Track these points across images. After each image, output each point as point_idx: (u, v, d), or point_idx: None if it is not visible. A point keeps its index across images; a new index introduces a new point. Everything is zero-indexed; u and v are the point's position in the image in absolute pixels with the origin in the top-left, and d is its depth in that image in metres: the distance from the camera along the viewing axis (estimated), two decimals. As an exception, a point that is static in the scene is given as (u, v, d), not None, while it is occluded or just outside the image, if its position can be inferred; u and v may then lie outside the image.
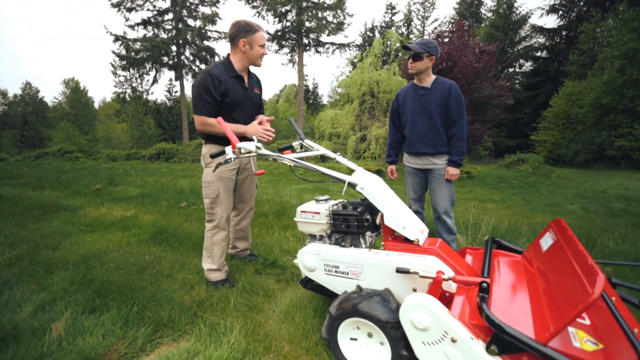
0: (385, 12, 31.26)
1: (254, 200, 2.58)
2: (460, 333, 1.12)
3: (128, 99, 28.75)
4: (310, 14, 19.73)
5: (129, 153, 21.28)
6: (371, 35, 28.89)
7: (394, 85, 12.43)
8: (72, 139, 25.86)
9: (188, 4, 22.47)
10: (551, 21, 44.22)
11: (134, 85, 27.13)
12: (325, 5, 19.74)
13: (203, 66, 23.87)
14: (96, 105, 47.78)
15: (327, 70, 67.41)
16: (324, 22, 20.03)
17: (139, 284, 2.20)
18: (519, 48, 25.50)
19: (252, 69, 2.30)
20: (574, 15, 23.53)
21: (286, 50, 22.06)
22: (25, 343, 1.60)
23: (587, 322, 1.17)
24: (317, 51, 22.21)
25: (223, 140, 2.17)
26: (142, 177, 8.49)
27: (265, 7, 19.93)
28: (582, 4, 23.03)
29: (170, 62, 23.98)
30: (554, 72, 23.83)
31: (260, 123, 2.22)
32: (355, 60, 15.51)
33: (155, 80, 24.94)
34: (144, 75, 24.98)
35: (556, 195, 8.56)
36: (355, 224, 1.66)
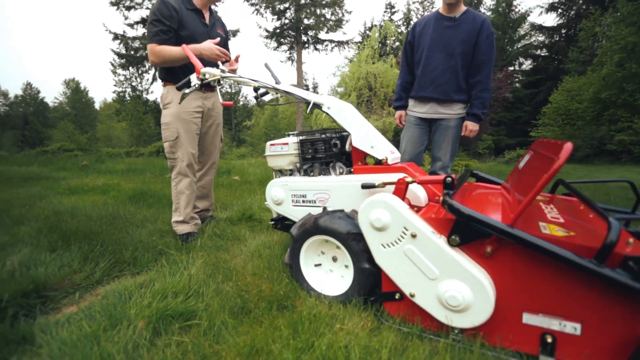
0: (385, 11, 31.24)
1: (218, 153, 2.35)
2: (421, 227, 1.03)
3: (128, 98, 28.75)
4: (308, 10, 19.74)
5: (128, 151, 21.25)
6: (370, 34, 28.95)
7: (391, 79, 12.37)
8: (71, 137, 25.89)
9: (187, 3, 22.47)
10: (550, 19, 44.30)
11: (133, 84, 27.09)
12: (324, 2, 19.74)
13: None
14: (97, 106, 47.82)
15: (325, 69, 67.22)
16: (322, 19, 20.03)
17: (107, 230, 2.11)
18: (518, 46, 25.42)
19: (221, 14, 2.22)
20: (573, 14, 23.48)
21: (285, 47, 22.06)
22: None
23: (561, 220, 1.08)
24: (316, 48, 22.16)
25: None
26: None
27: (264, 5, 19.96)
28: (581, 2, 22.99)
29: (169, 61, 23.97)
30: (553, 70, 23.72)
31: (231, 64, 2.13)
32: (355, 60, 15.39)
33: (154, 79, 24.95)
34: (144, 74, 25.02)
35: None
36: (323, 147, 1.57)
